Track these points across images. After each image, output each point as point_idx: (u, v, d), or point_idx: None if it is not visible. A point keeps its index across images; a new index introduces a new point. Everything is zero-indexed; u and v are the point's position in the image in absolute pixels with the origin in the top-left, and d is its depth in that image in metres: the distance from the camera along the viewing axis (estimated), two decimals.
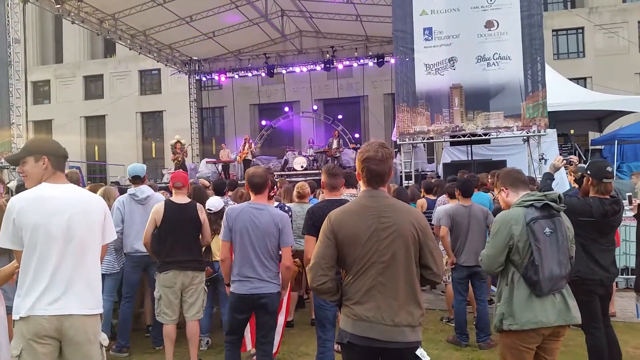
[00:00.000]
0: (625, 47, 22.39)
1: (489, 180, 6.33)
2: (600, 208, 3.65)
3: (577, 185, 4.23)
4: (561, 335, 2.98)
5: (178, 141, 16.59)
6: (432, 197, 7.21)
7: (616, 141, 13.87)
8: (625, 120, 15.71)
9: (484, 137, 11.29)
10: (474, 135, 11.23)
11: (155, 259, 4.62)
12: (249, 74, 22.01)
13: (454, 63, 11.19)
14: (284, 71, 21.92)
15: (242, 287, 3.65)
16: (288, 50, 21.73)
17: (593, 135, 18.32)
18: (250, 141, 17.97)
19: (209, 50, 20.84)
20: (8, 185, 8.63)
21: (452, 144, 12.77)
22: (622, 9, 23.55)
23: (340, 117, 21.23)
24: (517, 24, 10.88)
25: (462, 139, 11.46)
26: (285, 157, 17.97)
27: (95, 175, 25.98)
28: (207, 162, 18.96)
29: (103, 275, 3.81)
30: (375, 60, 20.15)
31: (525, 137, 11.39)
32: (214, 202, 5.28)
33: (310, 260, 2.48)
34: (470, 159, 11.66)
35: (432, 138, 11.73)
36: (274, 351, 4.19)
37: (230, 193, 6.70)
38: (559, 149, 13.23)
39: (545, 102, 10.80)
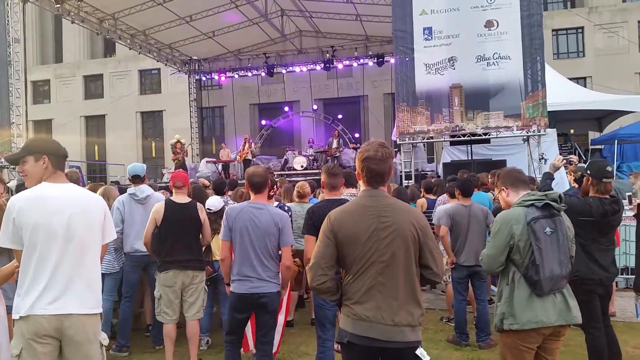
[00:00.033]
0: (625, 47, 22.39)
1: (489, 180, 6.33)
2: (600, 208, 3.65)
3: (577, 185, 4.23)
4: (562, 335, 2.99)
5: (178, 141, 16.59)
6: (432, 196, 7.21)
7: (616, 141, 13.86)
8: (625, 120, 15.70)
9: (483, 136, 11.28)
10: (473, 135, 11.22)
11: (155, 258, 4.62)
12: (249, 74, 21.99)
13: (453, 63, 11.18)
14: (283, 71, 21.91)
15: (242, 286, 3.66)
16: (288, 50, 21.72)
17: (593, 135, 18.32)
18: (250, 141, 17.96)
19: (208, 49, 20.82)
20: (8, 184, 8.61)
21: (452, 143, 12.76)
22: (622, 8, 23.54)
23: (340, 116, 21.24)
24: (517, 23, 10.88)
25: (462, 138, 11.45)
26: (285, 157, 17.97)
27: (95, 175, 25.97)
28: (207, 161, 18.96)
29: (103, 274, 3.81)
30: (375, 60, 20.12)
31: (525, 137, 11.38)
32: (214, 202, 5.28)
33: (310, 260, 2.48)
34: (470, 158, 11.66)
35: (432, 138, 11.73)
36: (274, 351, 4.18)
37: (230, 193, 6.71)
38: (559, 149, 13.22)
39: (545, 101, 10.79)
